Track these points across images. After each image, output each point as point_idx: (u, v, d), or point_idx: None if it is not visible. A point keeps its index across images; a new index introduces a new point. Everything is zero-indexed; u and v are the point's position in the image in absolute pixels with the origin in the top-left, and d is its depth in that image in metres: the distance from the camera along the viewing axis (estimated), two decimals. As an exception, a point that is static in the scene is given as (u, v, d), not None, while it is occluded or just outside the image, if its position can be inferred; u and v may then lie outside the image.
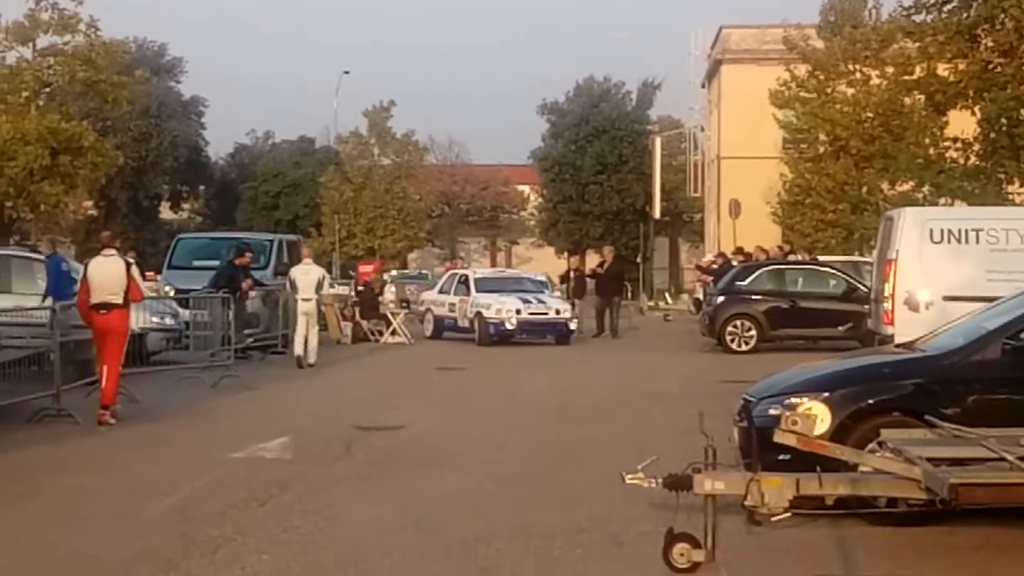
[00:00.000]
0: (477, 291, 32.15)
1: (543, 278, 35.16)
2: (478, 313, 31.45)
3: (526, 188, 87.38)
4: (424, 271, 64.38)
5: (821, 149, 47.23)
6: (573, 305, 34.48)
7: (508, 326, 30.90)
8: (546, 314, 31.34)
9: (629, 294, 46.01)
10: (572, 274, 37.85)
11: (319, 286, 26.71)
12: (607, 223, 75.09)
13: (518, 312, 30.97)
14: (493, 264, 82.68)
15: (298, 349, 25.87)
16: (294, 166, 76.66)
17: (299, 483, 12.75)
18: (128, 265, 17.70)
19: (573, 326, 31.48)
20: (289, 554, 9.78)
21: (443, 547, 9.99)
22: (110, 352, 17.22)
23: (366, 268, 37.32)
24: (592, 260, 79.72)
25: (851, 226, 44.64)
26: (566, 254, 42.29)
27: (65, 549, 10.04)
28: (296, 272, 27.32)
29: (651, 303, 55.24)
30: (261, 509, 11.53)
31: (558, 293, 33.95)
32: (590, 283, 36.90)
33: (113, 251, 17.78)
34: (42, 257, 24.75)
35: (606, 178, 74.81)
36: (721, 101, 62.98)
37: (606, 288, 34.68)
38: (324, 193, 70.18)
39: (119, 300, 17.20)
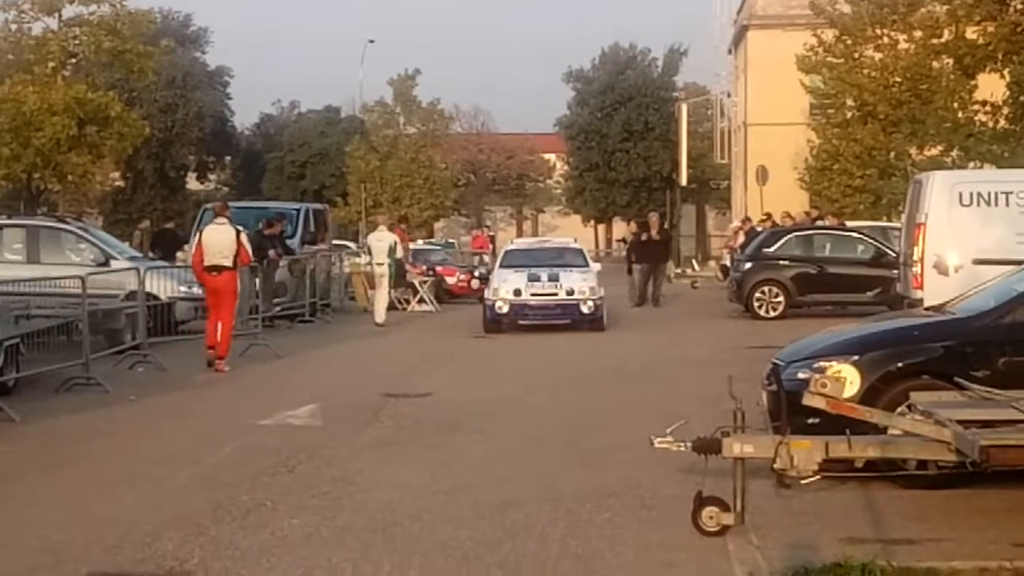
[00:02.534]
0: (500, 266, 27.98)
1: (579, 247, 29.57)
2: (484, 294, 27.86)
3: (552, 156, 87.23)
4: (451, 240, 64.38)
5: (848, 114, 46.88)
6: (629, 271, 34.17)
7: (499, 309, 25.97)
8: (555, 294, 26.02)
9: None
10: (633, 239, 35.86)
11: (391, 251, 29.20)
12: (633, 191, 74.91)
13: (516, 293, 25.93)
14: (519, 233, 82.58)
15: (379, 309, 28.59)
16: (320, 136, 76.62)
17: (328, 449, 12.80)
18: (238, 232, 19.90)
19: (587, 309, 25.85)
20: (319, 519, 9.82)
21: (473, 511, 10.02)
22: (224, 309, 19.57)
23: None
24: (619, 228, 79.90)
25: (879, 191, 44.36)
26: (631, 222, 38.86)
27: (96, 515, 10.10)
28: (371, 239, 30.58)
29: (678, 270, 55.13)
30: (290, 475, 11.59)
31: (598, 266, 29.08)
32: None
33: (224, 220, 20.04)
34: (70, 227, 24.91)
35: (632, 145, 74.57)
36: (748, 67, 62.66)
37: (656, 255, 34.25)
38: (350, 162, 70.11)
39: (229, 263, 19.50)
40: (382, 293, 28.89)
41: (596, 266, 28.40)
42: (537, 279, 26.33)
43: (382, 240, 29.66)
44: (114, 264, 22.85)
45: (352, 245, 48.36)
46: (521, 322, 26.10)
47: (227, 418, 15.07)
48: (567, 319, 25.98)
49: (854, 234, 31.07)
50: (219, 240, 19.66)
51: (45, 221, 26.42)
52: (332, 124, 78.10)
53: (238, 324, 23.22)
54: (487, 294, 26.69)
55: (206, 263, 19.57)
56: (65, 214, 34.24)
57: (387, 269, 28.94)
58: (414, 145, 71.22)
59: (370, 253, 30.26)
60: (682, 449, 9.18)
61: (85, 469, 12.12)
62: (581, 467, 11.73)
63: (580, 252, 29.02)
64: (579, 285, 26.21)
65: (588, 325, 25.88)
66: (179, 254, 32.10)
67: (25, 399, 15.88)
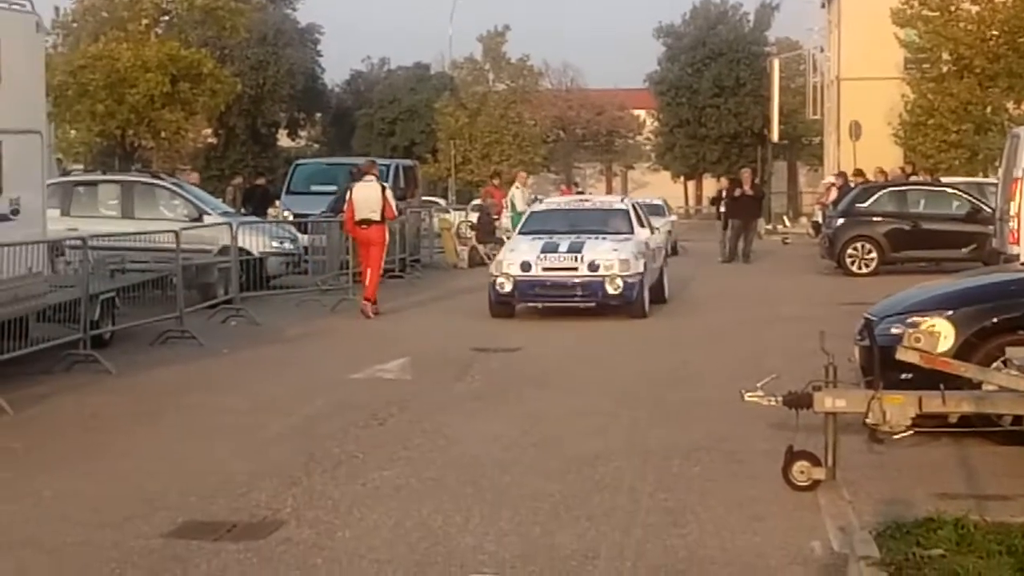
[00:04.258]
0: (519, 232, 22.55)
1: (625, 207, 22.96)
2: None
3: (642, 112, 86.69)
4: (540, 196, 64.32)
5: (944, 68, 46.23)
6: (725, 227, 33.78)
7: (501, 288, 20.45)
8: (573, 269, 20.21)
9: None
10: (725, 194, 34.97)
11: (513, 205, 31.18)
12: (724, 147, 74.38)
13: (525, 267, 20.30)
14: (608, 190, 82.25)
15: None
16: (409, 92, 76.74)
17: (418, 402, 12.89)
18: (383, 189, 21.28)
19: (613, 288, 19.96)
20: (410, 470, 9.90)
21: (562, 464, 10.05)
22: (372, 259, 20.98)
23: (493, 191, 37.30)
24: (709, 185, 79.40)
25: (975, 147, 43.75)
26: (721, 178, 37.74)
27: (191, 465, 10.25)
28: (513, 191, 32.76)
29: (768, 227, 54.71)
30: (381, 428, 11.69)
31: (646, 232, 22.21)
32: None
33: (372, 177, 21.35)
34: (164, 183, 25.19)
35: (723, 101, 73.99)
36: (841, 21, 61.83)
37: (748, 210, 34.06)
38: (439, 119, 70.30)
39: (377, 217, 20.87)
40: None
41: (644, 232, 22.01)
42: (554, 249, 20.62)
43: (512, 195, 31.58)
44: (207, 219, 23.09)
45: (441, 201, 48.56)
46: (531, 304, 20.90)
47: (319, 371, 15.19)
48: (590, 301, 20.37)
49: (949, 190, 30.63)
50: (367, 196, 20.94)
51: (140, 177, 26.72)
52: (422, 81, 78.17)
53: (329, 279, 23.50)
54: (491, 268, 21.33)
55: (356, 218, 20.92)
56: (158, 170, 34.62)
57: (509, 222, 29.97)
58: (503, 101, 71.20)
59: (512, 207, 31.93)
60: (773, 403, 9.15)
61: (180, 420, 12.31)
62: (670, 422, 11.72)
63: (626, 214, 22.41)
64: (606, 257, 20.21)
65: (618, 309, 20.30)
66: (270, 210, 32.39)
67: (121, 352, 16.12)
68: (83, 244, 16.21)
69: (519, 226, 23.32)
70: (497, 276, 20.58)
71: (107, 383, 14.21)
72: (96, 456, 10.67)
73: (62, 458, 10.60)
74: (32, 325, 14.73)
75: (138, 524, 8.43)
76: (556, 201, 26.30)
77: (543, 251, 20.58)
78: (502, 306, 20.73)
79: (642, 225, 22.33)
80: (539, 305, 20.75)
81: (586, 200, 26.43)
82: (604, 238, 21.07)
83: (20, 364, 13.97)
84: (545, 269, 20.36)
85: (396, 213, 22.32)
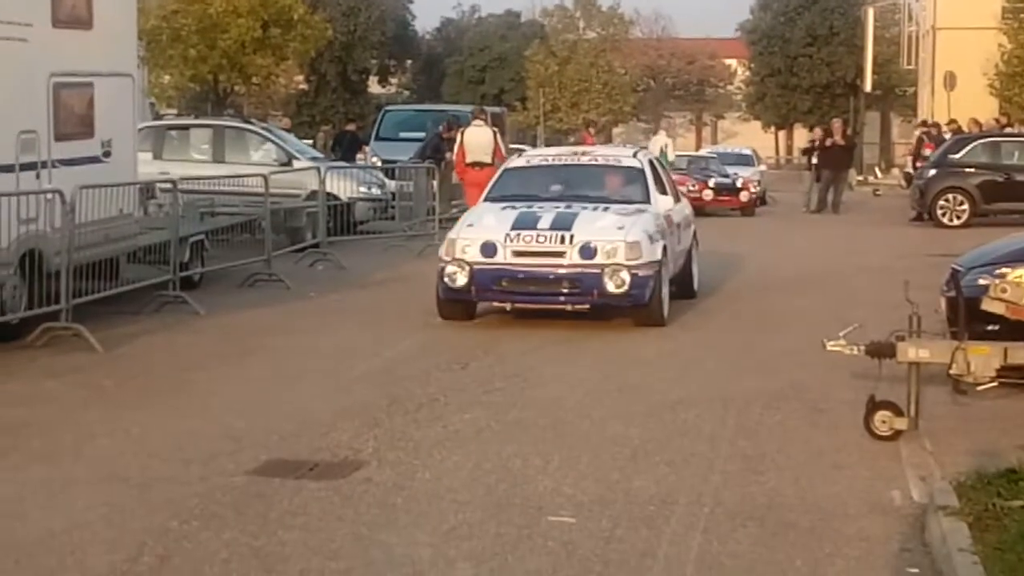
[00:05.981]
0: (485, 198, 15.69)
1: (640, 165, 15.93)
2: None
3: (733, 62, 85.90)
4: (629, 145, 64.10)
5: (1043, 18, 45.41)
6: (818, 179, 33.48)
7: (451, 280, 14.09)
8: (558, 254, 13.91)
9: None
10: (817, 144, 34.13)
11: (662, 153, 30.90)
12: (816, 97, 73.55)
13: (488, 250, 14.00)
14: (698, 142, 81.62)
15: None
16: (500, 40, 76.61)
17: (501, 346, 12.95)
18: (495, 133, 22.80)
19: (615, 284, 13.64)
20: (490, 413, 9.97)
21: (643, 409, 10.08)
22: None
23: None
24: (800, 135, 78.63)
25: (1073, 98, 42.98)
26: (815, 129, 37.29)
27: (275, 405, 10.40)
28: (665, 141, 34.22)
29: (860, 178, 54.10)
30: (463, 371, 11.76)
31: (669, 201, 15.52)
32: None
33: (481, 122, 23.00)
34: (254, 128, 25.40)
35: (815, 51, 73.13)
36: (938, -31, 60.85)
37: (840, 161, 33.72)
38: (529, 67, 70.16)
39: (488, 160, 21.97)
40: None
41: (665, 201, 15.40)
42: (531, 224, 14.21)
43: (655, 143, 32.69)
44: (296, 164, 23.24)
45: (529, 149, 48.51)
46: (496, 304, 14.50)
47: (403, 315, 15.26)
48: (581, 301, 14.07)
49: (1044, 141, 30.13)
50: (479, 140, 22.39)
51: (230, 122, 26.92)
52: (512, 28, 78.02)
53: (415, 225, 23.61)
54: (441, 251, 14.79)
55: (468, 160, 22.28)
56: (249, 116, 34.88)
57: None
58: (593, 50, 70.93)
59: None
60: (855, 352, 9.11)
61: (265, 361, 12.46)
62: (753, 370, 11.70)
63: (639, 175, 15.66)
64: (607, 238, 13.93)
65: (622, 312, 14.28)
66: (359, 156, 32.52)
67: (210, 293, 16.30)
68: (174, 187, 16.41)
69: (489, 188, 16.06)
70: (447, 263, 14.20)
71: (195, 324, 14.40)
72: (183, 394, 10.86)
73: (151, 396, 10.79)
74: (123, 266, 14.97)
75: (223, 461, 8.58)
76: (540, 153, 19.63)
77: (515, 227, 14.18)
78: (454, 305, 14.46)
79: (663, 191, 15.73)
80: (507, 306, 14.44)
81: (584, 154, 17.33)
82: (606, 209, 14.77)
83: (111, 304, 14.22)
84: (517, 254, 14.01)
85: (505, 156, 22.80)
